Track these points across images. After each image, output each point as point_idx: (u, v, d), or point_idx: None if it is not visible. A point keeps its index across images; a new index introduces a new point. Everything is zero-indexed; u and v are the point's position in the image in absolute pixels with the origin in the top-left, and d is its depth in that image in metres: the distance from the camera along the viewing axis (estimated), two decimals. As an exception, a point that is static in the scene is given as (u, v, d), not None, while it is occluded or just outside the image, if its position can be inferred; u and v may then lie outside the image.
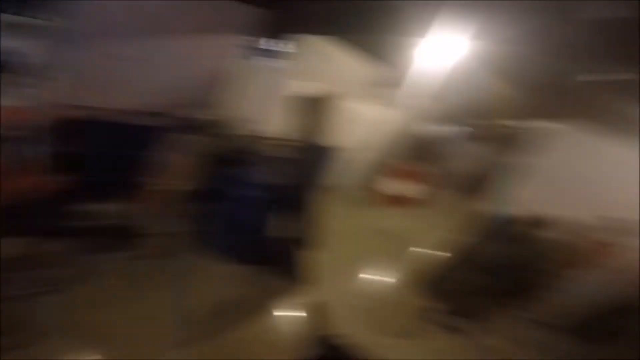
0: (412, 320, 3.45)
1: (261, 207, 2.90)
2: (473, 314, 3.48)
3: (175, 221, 2.83)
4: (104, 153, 2.93)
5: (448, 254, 3.88)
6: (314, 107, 2.65)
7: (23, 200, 2.39)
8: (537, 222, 3.41)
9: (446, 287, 3.71)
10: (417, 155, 6.76)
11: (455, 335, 3.35)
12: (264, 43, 7.64)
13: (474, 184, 11.53)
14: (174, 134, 2.96)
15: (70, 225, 2.69)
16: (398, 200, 6.63)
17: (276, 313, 2.69)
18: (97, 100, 3.19)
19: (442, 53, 4.16)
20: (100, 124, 3.01)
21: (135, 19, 3.34)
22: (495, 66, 4.19)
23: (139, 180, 2.84)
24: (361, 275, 3.92)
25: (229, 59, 4.27)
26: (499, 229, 3.53)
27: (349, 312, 3.14)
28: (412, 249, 5.29)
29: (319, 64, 4.57)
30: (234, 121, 3.64)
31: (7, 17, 2.64)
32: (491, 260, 3.39)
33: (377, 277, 4.09)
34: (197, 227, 3.11)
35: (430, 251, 5.30)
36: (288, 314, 2.75)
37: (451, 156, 6.97)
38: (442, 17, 3.32)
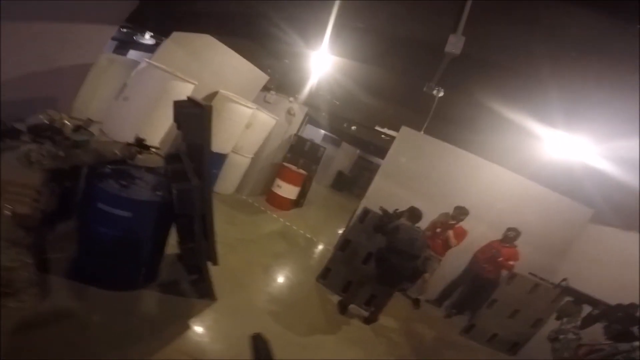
0: (325, 315, 3.66)
1: (139, 222, 2.61)
2: (371, 300, 3.86)
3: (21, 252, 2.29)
4: None
5: (340, 250, 4.16)
6: (195, 109, 2.57)
7: None
8: (406, 214, 3.68)
9: (345, 279, 4.05)
10: (297, 158, 7.04)
11: (365, 323, 3.72)
12: (136, 36, 6.77)
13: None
14: (9, 140, 2.58)
15: None
16: (286, 202, 6.87)
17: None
18: None
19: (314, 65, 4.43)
20: None
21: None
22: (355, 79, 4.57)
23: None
24: (266, 278, 3.96)
25: (95, 52, 3.91)
26: (375, 223, 3.78)
27: (263, 318, 3.14)
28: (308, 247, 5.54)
29: (197, 63, 4.42)
30: (91, 125, 3.31)
31: None
32: (377, 252, 3.61)
33: (282, 277, 4.19)
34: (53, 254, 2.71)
35: (323, 248, 5.63)
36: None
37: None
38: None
